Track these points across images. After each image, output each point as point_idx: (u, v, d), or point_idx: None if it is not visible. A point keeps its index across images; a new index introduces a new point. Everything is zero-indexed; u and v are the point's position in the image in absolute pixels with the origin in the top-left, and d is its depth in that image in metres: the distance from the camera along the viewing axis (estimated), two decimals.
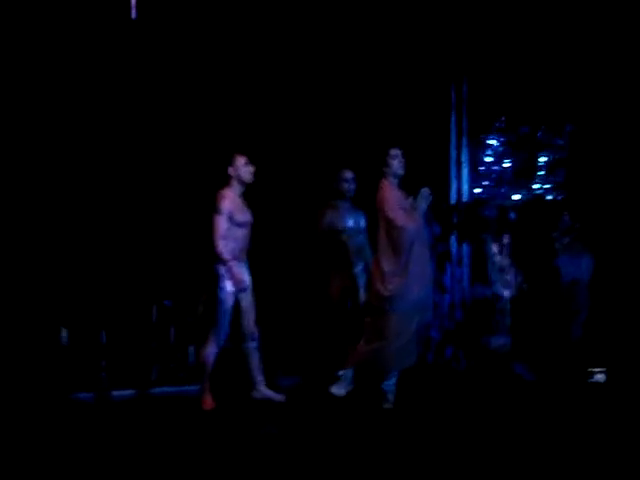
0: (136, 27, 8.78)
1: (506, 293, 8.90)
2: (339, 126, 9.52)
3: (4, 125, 8.39)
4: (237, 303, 7.20)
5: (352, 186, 8.20)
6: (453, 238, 9.71)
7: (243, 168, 7.16)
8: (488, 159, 9.65)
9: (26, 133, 8.48)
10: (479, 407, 7.40)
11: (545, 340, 8.90)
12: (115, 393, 7.94)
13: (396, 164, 7.21)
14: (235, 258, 7.09)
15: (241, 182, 7.18)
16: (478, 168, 9.81)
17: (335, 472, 5.06)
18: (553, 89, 9.66)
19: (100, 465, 5.21)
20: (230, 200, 7.10)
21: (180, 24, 8.99)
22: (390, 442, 5.99)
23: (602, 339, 9.06)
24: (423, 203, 7.17)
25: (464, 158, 9.93)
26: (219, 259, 7.05)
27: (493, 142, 9.68)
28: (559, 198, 9.78)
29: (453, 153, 9.92)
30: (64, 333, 8.11)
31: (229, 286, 7.05)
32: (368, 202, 7.67)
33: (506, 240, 9.04)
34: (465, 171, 9.94)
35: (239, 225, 7.08)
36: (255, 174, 7.26)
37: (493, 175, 9.81)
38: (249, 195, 7.49)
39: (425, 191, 7.24)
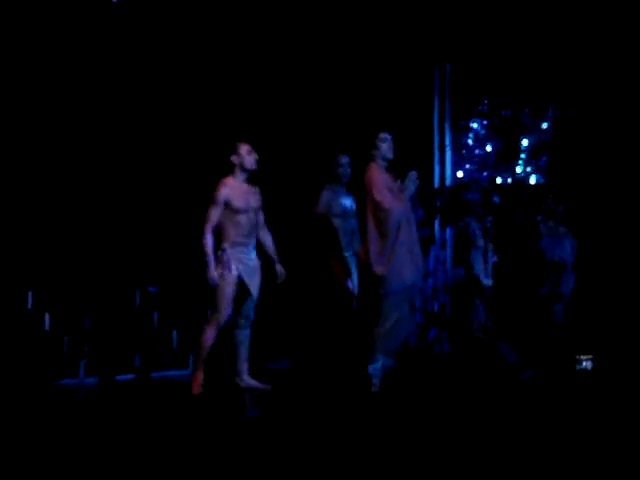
0: (119, 11, 8.81)
1: (488, 282, 8.90)
2: (324, 111, 9.50)
3: None
4: (242, 288, 7.14)
5: (347, 170, 8.20)
6: (436, 222, 9.71)
7: (246, 156, 7.14)
8: (471, 143, 9.67)
9: (7, 121, 8.39)
10: (463, 391, 7.41)
11: (529, 323, 8.92)
12: (99, 380, 7.94)
13: (385, 147, 7.22)
14: (235, 244, 7.07)
15: (244, 170, 7.17)
16: (461, 151, 9.86)
17: (321, 456, 5.06)
18: (536, 73, 9.71)
19: (85, 453, 5.18)
20: (228, 188, 7.07)
21: (170, 10, 9.06)
22: (375, 427, 5.99)
23: (588, 325, 9.14)
24: (411, 186, 7.19)
25: (447, 142, 9.98)
26: (220, 245, 7.07)
27: (475, 126, 9.72)
28: (542, 181, 9.86)
29: (436, 137, 9.98)
30: (47, 319, 8.06)
31: (234, 271, 7.03)
32: (356, 185, 7.68)
33: (488, 223, 9.04)
34: (448, 155, 9.98)
35: (238, 211, 7.05)
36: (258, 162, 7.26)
37: (476, 159, 9.89)
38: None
39: (413, 174, 7.25)
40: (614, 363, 8.47)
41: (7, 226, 8.29)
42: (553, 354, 8.74)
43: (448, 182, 9.85)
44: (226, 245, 7.06)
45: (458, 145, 9.84)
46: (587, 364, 8.34)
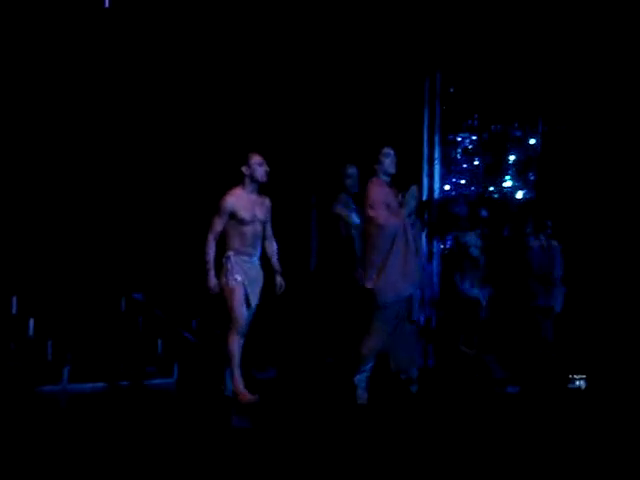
0: (112, 16, 8.82)
1: (478, 292, 8.90)
2: (314, 122, 9.50)
3: None
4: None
5: (355, 182, 8.15)
6: (424, 235, 9.70)
7: (258, 168, 7.10)
8: (460, 156, 9.72)
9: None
10: (447, 405, 7.41)
11: (517, 338, 8.92)
12: (82, 386, 7.83)
13: (388, 162, 7.28)
14: (238, 253, 7.07)
15: (254, 181, 7.13)
16: (450, 166, 9.88)
17: (306, 466, 5.04)
18: (526, 88, 9.75)
19: (67, 460, 5.13)
20: (235, 198, 7.05)
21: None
22: (358, 440, 5.98)
23: (578, 341, 9.15)
24: (412, 201, 7.25)
25: (436, 155, 9.97)
26: (225, 254, 7.07)
27: (465, 140, 9.74)
28: (529, 196, 9.90)
29: (425, 150, 9.95)
30: (31, 324, 8.00)
31: (238, 277, 7.03)
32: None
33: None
34: (437, 168, 9.97)
35: (243, 222, 7.03)
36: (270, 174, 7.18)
37: (465, 173, 9.92)
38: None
39: (413, 189, 7.34)
40: (604, 380, 8.45)
41: None
42: (541, 370, 8.73)
43: (436, 195, 9.83)
44: (230, 253, 7.05)
45: (447, 158, 9.87)
46: (580, 383, 8.32)
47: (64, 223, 8.67)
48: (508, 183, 9.91)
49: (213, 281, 6.99)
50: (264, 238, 7.24)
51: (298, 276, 8.17)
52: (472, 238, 8.94)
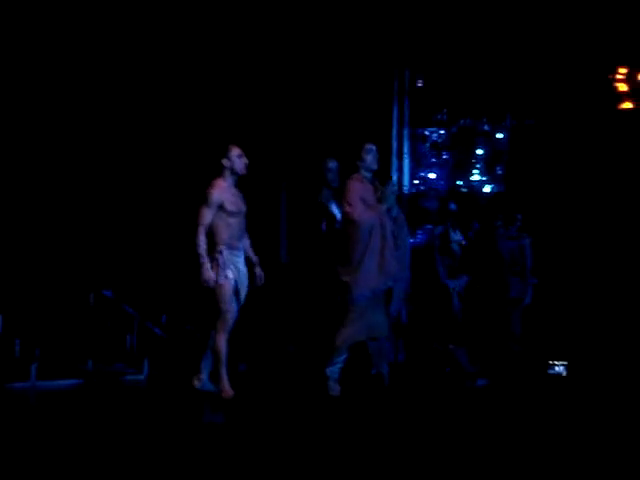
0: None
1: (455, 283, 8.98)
2: (282, 114, 9.51)
3: None
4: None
5: (336, 176, 8.07)
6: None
7: (237, 160, 7.06)
8: (429, 151, 9.77)
9: None
10: (417, 398, 7.48)
11: (485, 330, 8.96)
12: (51, 383, 7.73)
13: (370, 158, 7.34)
14: (229, 247, 7.00)
15: (234, 173, 7.09)
16: (419, 160, 9.92)
17: (281, 460, 5.03)
18: (494, 82, 9.82)
19: (36, 457, 5.08)
20: (220, 190, 6.99)
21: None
22: (332, 432, 5.98)
23: (546, 333, 9.26)
24: (391, 195, 7.32)
25: (405, 150, 10.02)
26: (215, 247, 6.96)
27: (433, 134, 9.80)
28: (497, 189, 10.00)
29: (394, 145, 9.97)
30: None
31: (230, 273, 6.97)
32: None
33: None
34: (406, 162, 10.03)
35: (231, 214, 6.99)
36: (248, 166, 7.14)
37: (434, 167, 9.92)
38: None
39: (392, 183, 7.44)
40: (576, 371, 8.55)
41: None
42: (508, 363, 8.78)
43: (406, 190, 9.86)
44: (222, 247, 6.98)
45: (416, 153, 9.90)
46: (560, 369, 8.44)
47: (31, 219, 8.58)
48: (476, 177, 9.96)
49: (209, 274, 6.88)
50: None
51: (269, 268, 8.16)
52: (456, 234, 8.98)
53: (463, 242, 8.95)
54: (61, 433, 5.75)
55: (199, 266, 6.85)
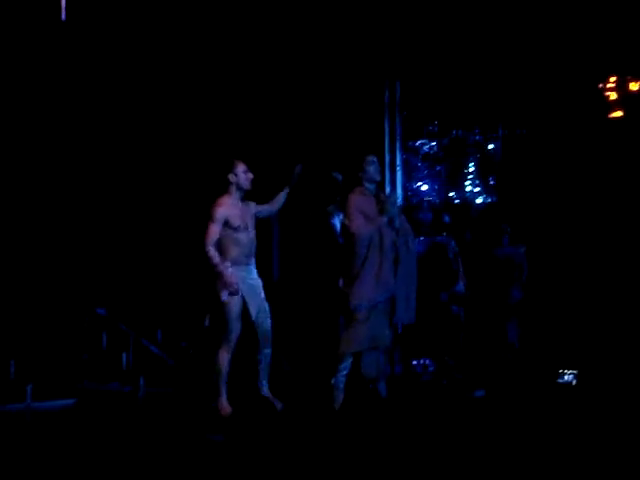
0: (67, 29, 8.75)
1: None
2: (273, 128, 9.50)
3: None
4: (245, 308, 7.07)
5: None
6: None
7: (243, 175, 7.12)
8: (421, 163, 9.75)
9: None
10: (417, 411, 7.48)
11: (482, 341, 8.93)
12: (47, 404, 7.70)
13: (372, 170, 7.36)
14: (237, 263, 7.02)
15: (240, 188, 7.15)
16: (412, 172, 9.88)
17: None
18: (485, 92, 9.76)
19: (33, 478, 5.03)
20: (225, 206, 7.03)
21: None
22: (333, 447, 5.96)
23: (545, 343, 9.20)
24: (391, 208, 7.29)
25: (398, 162, 9.95)
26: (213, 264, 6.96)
27: (425, 146, 9.79)
28: (489, 200, 9.94)
29: (387, 157, 9.90)
30: None
31: (237, 288, 6.99)
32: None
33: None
34: (399, 175, 9.96)
35: (238, 230, 7.02)
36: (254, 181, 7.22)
37: (426, 179, 9.92)
38: None
39: (393, 196, 7.47)
40: (587, 380, 8.51)
41: None
42: (506, 373, 8.77)
43: (399, 202, 9.81)
44: (228, 264, 6.98)
45: (409, 165, 9.88)
46: (570, 378, 8.41)
47: (24, 239, 8.54)
48: (469, 188, 9.95)
49: (229, 280, 6.88)
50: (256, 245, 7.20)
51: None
52: (452, 245, 8.97)
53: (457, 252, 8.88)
54: (58, 454, 5.71)
55: (216, 278, 6.86)
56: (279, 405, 7.21)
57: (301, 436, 6.28)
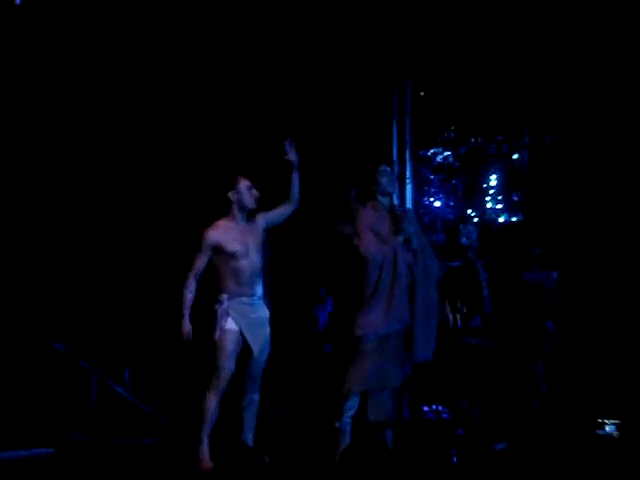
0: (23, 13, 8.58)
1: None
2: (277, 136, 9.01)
3: None
4: (246, 346, 6.53)
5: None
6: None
7: (246, 192, 6.63)
8: (434, 175, 9.52)
9: None
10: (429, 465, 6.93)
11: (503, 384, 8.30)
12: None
13: (385, 181, 7.02)
14: (236, 295, 6.51)
15: (243, 208, 6.63)
16: (422, 186, 9.60)
17: None
18: (510, 94, 9.30)
19: None
20: (217, 231, 6.54)
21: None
22: None
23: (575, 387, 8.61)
24: (408, 226, 6.92)
25: (408, 173, 9.57)
26: (216, 299, 6.53)
27: (438, 155, 9.53)
28: (514, 219, 9.51)
29: (396, 168, 9.44)
30: None
31: (232, 325, 6.47)
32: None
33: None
34: (409, 188, 9.56)
35: (235, 256, 6.48)
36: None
37: (440, 194, 9.59)
38: None
39: (410, 212, 7.28)
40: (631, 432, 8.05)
41: None
42: (534, 422, 8.17)
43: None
44: (224, 297, 6.50)
45: (420, 177, 9.60)
46: (611, 429, 8.02)
47: None
48: (489, 205, 9.59)
49: (187, 327, 6.41)
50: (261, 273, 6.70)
51: None
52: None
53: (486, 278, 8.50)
54: None
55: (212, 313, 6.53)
56: (266, 458, 6.66)
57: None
